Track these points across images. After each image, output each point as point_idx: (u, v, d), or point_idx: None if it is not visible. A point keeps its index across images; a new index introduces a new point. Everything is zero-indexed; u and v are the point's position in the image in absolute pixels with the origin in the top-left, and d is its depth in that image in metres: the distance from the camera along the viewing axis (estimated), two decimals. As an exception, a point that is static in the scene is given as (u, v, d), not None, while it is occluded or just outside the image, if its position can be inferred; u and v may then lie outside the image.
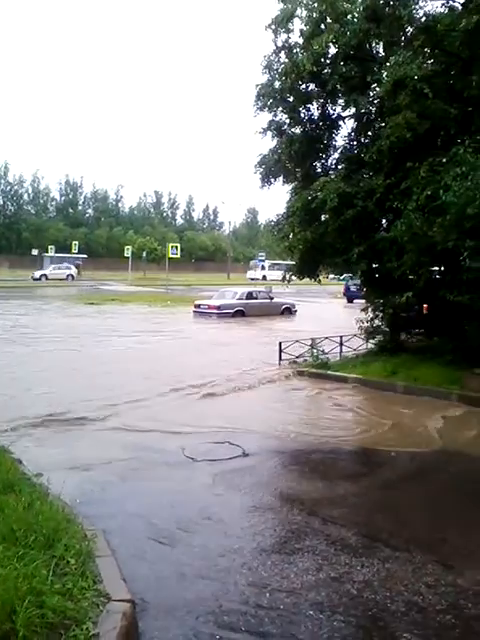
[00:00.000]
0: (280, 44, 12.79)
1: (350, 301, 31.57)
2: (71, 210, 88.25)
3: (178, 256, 41.07)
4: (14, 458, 5.91)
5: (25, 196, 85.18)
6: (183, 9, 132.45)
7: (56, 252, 60.36)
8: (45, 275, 51.97)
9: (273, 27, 12.62)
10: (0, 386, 10.03)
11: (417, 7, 11.59)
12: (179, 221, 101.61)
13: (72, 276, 53.81)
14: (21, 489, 4.78)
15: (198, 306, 24.93)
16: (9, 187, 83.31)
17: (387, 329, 13.29)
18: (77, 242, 61.37)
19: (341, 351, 13.92)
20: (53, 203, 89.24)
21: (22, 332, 17.16)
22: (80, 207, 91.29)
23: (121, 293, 36.32)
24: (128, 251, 49.89)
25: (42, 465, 5.93)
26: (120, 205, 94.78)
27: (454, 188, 9.21)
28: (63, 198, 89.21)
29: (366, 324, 13.37)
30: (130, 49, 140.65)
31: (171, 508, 5.47)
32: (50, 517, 4.27)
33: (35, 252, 61.16)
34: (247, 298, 25.44)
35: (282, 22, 12.53)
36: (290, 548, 4.72)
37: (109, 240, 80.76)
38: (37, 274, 51.79)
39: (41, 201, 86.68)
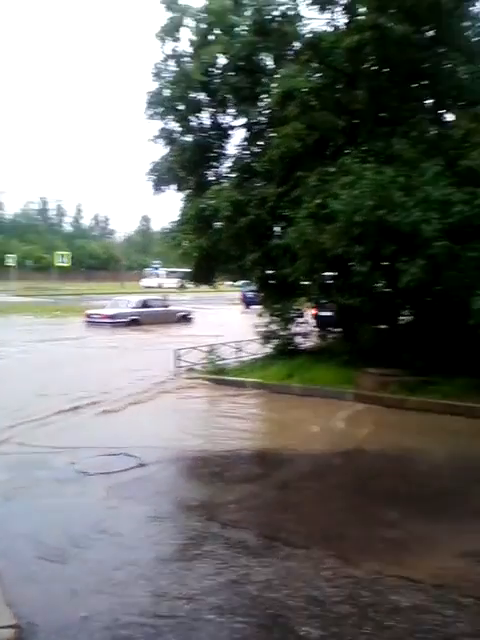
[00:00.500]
0: (169, 52, 12.80)
1: (248, 307, 32.02)
2: None
3: (68, 265, 39.66)
4: None
5: None
6: (76, 18, 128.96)
7: None
8: None
9: (161, 35, 12.59)
10: None
11: (302, 24, 12.03)
12: (68, 228, 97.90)
13: None
14: None
15: (90, 316, 24.13)
16: None
17: (283, 333, 13.55)
18: None
19: (239, 356, 14.02)
20: None
21: None
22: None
23: (2, 304, 33.90)
24: (12, 259, 47.12)
25: None
26: (0, 212, 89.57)
27: (342, 197, 9.58)
28: None
29: (263, 329, 13.57)
30: (12, 50, 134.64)
31: (62, 525, 5.14)
32: None
33: None
34: (142, 307, 24.99)
35: (170, 31, 12.54)
36: (189, 555, 4.61)
37: (-12, 249, 75.62)
38: None
39: None
